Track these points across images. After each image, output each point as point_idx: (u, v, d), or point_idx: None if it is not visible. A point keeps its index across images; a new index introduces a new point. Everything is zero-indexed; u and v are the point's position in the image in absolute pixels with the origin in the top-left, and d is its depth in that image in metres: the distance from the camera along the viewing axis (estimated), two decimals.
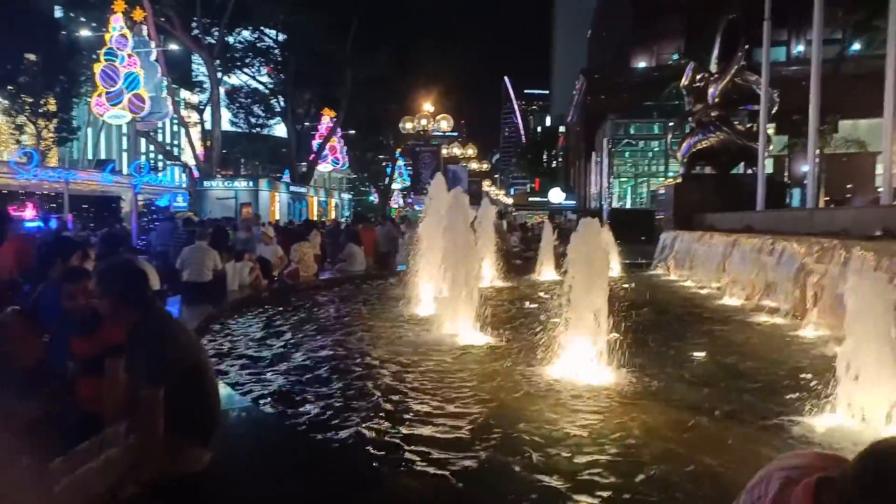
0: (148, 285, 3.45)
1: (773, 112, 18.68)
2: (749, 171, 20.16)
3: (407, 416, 4.95)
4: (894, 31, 11.37)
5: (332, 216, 44.87)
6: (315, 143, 44.76)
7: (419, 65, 40.35)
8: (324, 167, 49.79)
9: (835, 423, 4.44)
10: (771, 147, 24.30)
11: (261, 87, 44.39)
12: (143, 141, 46.45)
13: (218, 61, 35.33)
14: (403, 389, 5.72)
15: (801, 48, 47.22)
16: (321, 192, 47.37)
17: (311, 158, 43.96)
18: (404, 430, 4.62)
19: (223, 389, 4.68)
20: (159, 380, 3.03)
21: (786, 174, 37.95)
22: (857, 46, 35.85)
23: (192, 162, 37.08)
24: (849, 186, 32.55)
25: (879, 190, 35.70)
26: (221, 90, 39.27)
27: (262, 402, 5.38)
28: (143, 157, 49.79)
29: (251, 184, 37.15)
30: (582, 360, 6.05)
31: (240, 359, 7.05)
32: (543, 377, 6.02)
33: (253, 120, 46.82)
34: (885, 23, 34.79)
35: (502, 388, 5.76)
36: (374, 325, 9.01)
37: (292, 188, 41.24)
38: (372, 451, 4.22)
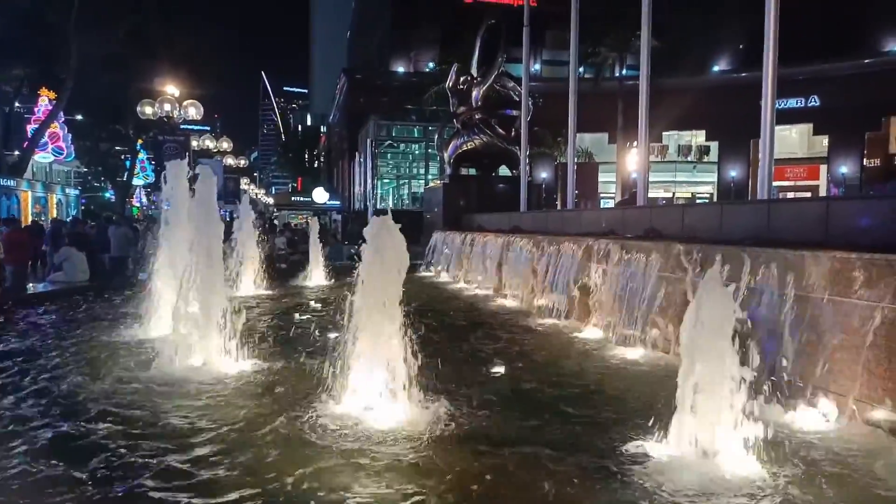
0: None
1: (528, 119, 19.43)
2: (512, 174, 20.91)
3: None
4: (645, 60, 11.91)
5: (54, 215, 37.92)
6: (31, 129, 37.34)
7: (164, 46, 35.70)
8: (42, 157, 42.06)
9: (673, 454, 3.82)
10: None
11: None
12: None
13: None
14: (124, 460, 3.94)
15: (537, 66, 51.75)
16: (38, 186, 39.79)
17: (24, 147, 36.56)
18: None
19: None
20: None
21: (528, 179, 41.18)
22: (584, 70, 40.15)
23: None
24: (576, 192, 36.40)
25: (601, 195, 40.84)
26: None
27: None
28: None
29: None
30: (371, 390, 4.83)
31: None
32: (324, 419, 4.66)
33: None
34: (608, 51, 40.44)
35: (266, 444, 4.28)
36: (90, 357, 6.80)
37: None
38: None
